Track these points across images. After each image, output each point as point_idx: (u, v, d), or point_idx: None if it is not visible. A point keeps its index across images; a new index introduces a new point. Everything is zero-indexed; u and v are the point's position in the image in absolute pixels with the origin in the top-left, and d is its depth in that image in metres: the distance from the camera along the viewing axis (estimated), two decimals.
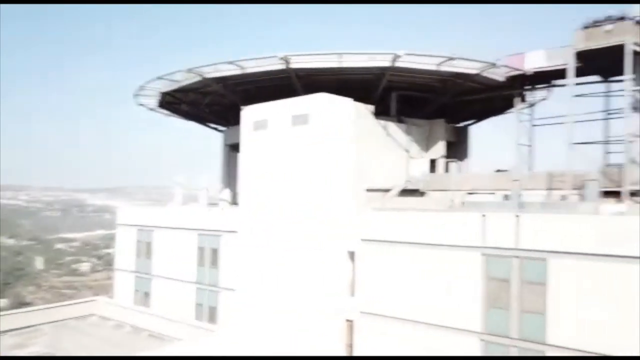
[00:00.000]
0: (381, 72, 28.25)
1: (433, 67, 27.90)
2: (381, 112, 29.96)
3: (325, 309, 25.27)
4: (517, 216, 20.68)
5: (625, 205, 22.24)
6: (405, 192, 29.63)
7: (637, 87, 24.86)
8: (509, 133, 32.43)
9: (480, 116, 38.56)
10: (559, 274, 19.25)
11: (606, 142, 30.64)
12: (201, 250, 32.26)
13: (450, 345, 21.66)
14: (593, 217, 19.68)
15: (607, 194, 23.93)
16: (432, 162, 32.86)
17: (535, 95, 33.60)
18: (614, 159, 29.85)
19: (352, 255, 25.34)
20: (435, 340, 22.06)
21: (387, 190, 28.72)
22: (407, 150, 31.30)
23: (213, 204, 36.54)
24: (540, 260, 19.74)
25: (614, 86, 30.30)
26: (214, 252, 31.42)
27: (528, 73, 29.12)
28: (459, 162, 34.75)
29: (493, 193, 27.95)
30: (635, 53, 24.38)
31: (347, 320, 25.23)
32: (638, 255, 17.54)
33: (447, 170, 33.26)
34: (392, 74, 28.47)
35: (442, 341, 21.89)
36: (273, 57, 27.74)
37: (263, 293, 27.71)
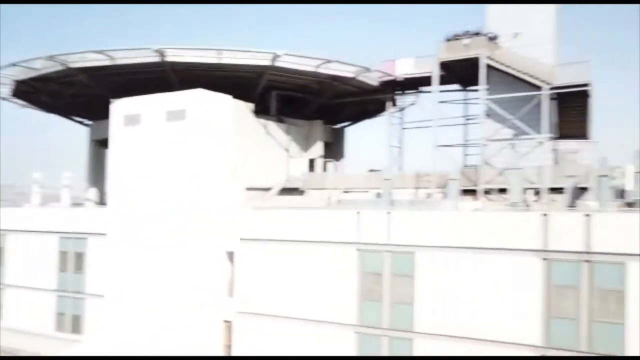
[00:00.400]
0: (261, 70, 28.21)
1: (311, 69, 28.50)
2: (262, 111, 29.90)
3: (202, 311, 24.56)
4: (389, 213, 21.92)
5: (481, 202, 24.67)
6: (285, 191, 29.91)
7: (490, 97, 27.65)
8: (382, 135, 34.42)
9: (356, 118, 40.27)
10: (424, 266, 20.76)
11: (465, 145, 33.82)
12: (63, 254, 29.51)
13: (328, 339, 22.28)
14: (454, 213, 21.48)
15: (466, 192, 26.32)
16: (311, 162, 33.57)
17: (405, 100, 35.90)
18: (472, 160, 33.08)
19: (231, 255, 24.95)
20: (314, 336, 22.55)
21: (267, 189, 28.75)
22: (287, 150, 31.62)
23: (78, 204, 33.62)
24: (409, 254, 21.14)
25: (472, 95, 33.57)
26: (79, 256, 28.92)
27: (399, 79, 31.08)
28: (336, 162, 35.96)
29: (367, 191, 29.34)
30: (488, 66, 27.11)
31: (225, 321, 24.79)
32: (495, 246, 19.47)
33: (324, 169, 34.23)
34: (272, 73, 28.56)
35: (321, 336, 22.43)
36: (147, 48, 26.34)
37: (136, 298, 26.13)
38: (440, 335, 20.17)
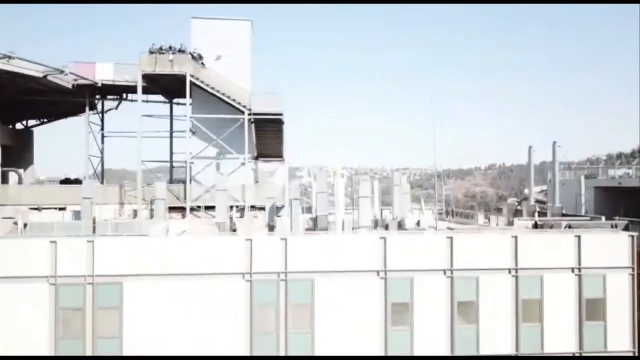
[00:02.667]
0: None
1: None
2: None
3: None
4: (91, 242, 20.13)
5: (188, 221, 25.03)
6: None
7: (195, 115, 28.21)
8: (79, 141, 31.26)
9: (46, 118, 35.27)
10: (135, 296, 19.86)
11: (171, 162, 33.57)
12: None
13: None
14: (163, 240, 21.01)
15: (173, 209, 26.37)
16: None
17: (107, 106, 33.41)
18: (178, 175, 33.03)
19: None
20: None
21: None
22: None
23: None
24: (117, 285, 19.88)
25: (178, 110, 33.51)
26: None
27: (98, 84, 28.75)
28: (21, 171, 30.82)
29: (64, 208, 26.41)
30: (194, 85, 27.54)
31: None
32: (205, 272, 19.93)
33: (5, 180, 28.95)
34: None
35: None
36: None
37: None
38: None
